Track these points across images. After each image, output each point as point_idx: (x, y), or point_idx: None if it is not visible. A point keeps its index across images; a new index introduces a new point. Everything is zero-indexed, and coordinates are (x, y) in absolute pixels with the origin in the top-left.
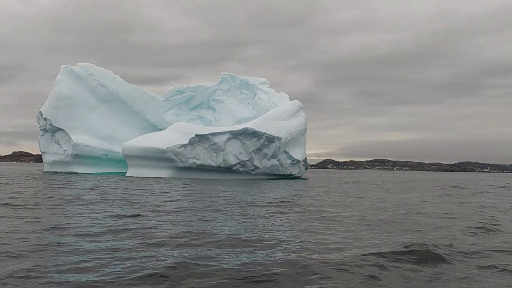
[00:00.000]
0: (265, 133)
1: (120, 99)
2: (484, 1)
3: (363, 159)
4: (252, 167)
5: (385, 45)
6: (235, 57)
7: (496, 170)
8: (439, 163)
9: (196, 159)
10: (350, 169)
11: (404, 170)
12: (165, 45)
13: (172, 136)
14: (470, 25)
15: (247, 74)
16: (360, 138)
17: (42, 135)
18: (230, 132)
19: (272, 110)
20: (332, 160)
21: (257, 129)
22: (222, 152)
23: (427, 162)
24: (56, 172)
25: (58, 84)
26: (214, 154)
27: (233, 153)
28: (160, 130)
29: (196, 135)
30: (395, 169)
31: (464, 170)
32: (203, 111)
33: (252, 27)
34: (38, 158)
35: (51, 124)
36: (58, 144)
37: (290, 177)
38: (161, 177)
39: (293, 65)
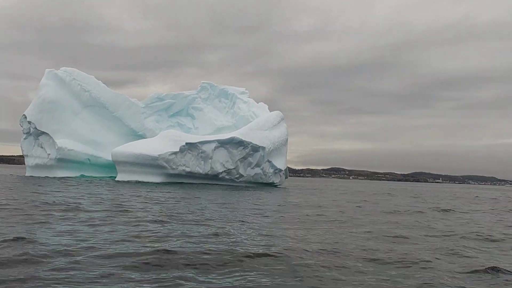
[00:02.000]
0: (251, 142)
1: (102, 104)
2: (438, 15)
3: (319, 167)
4: (237, 175)
5: (341, 55)
6: (193, 62)
7: (448, 181)
8: (393, 172)
9: (186, 167)
10: (307, 177)
11: (359, 179)
12: (123, 47)
13: (162, 143)
14: (423, 37)
15: (204, 78)
16: (316, 146)
17: (25, 139)
18: (218, 140)
19: (255, 120)
20: (289, 167)
21: (243, 139)
22: (210, 160)
23: (382, 171)
24: (40, 177)
25: (43, 88)
26: (202, 162)
27: (220, 161)
28: (140, 136)
29: (187, 143)
30: (351, 177)
31: (418, 180)
32: (182, 119)
33: (210, 32)
34: None
35: (35, 128)
36: (42, 147)
37: (272, 185)
38: (153, 182)
39: (251, 72)
